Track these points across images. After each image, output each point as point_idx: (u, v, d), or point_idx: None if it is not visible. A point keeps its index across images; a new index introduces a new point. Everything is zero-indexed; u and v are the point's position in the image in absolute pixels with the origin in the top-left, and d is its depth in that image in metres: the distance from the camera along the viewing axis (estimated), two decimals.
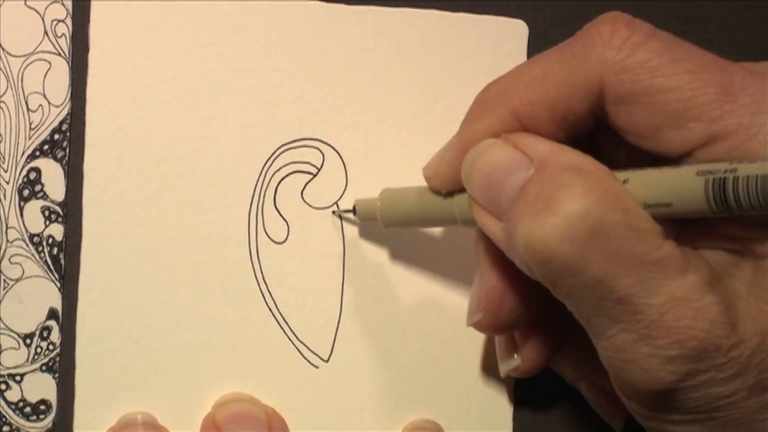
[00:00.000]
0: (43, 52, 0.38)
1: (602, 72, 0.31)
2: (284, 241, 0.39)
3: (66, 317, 0.38)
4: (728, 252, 0.31)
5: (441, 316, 0.40)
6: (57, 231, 0.38)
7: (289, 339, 0.39)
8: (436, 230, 0.40)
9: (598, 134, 0.33)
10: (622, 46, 0.31)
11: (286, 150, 0.39)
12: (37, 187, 0.38)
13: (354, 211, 0.39)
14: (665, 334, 0.29)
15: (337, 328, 0.40)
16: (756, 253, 0.30)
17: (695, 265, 0.29)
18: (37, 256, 0.38)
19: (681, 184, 0.29)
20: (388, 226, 0.38)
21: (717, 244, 0.31)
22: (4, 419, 0.38)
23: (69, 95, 0.39)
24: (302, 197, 0.40)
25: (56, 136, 0.39)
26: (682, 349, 0.29)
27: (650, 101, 0.30)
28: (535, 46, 0.41)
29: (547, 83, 0.32)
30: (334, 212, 0.39)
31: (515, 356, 0.37)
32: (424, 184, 0.36)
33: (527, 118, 0.32)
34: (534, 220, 0.29)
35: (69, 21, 0.39)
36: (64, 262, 0.38)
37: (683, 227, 0.32)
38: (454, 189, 0.35)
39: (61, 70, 0.39)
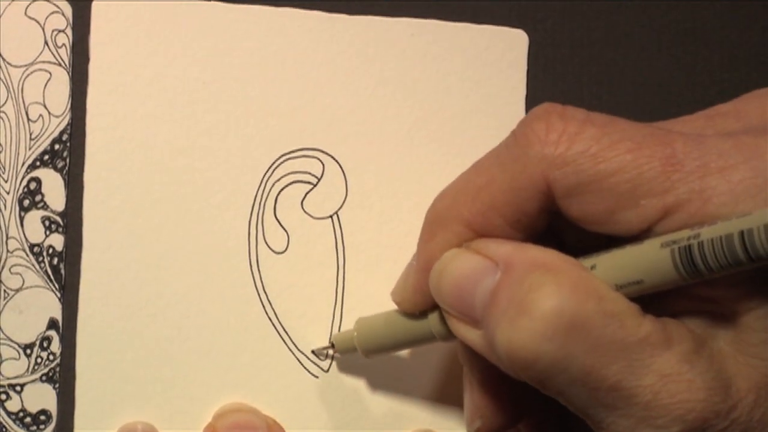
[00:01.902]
0: (44, 62, 0.38)
1: (545, 170, 0.30)
2: (284, 251, 0.39)
3: (66, 327, 0.38)
4: (707, 314, 0.30)
5: None
6: (57, 241, 0.38)
7: (289, 349, 0.39)
8: None
9: (557, 225, 0.33)
10: (559, 140, 0.30)
11: (287, 160, 0.39)
12: (38, 197, 0.38)
13: (332, 346, 0.39)
14: (664, 413, 0.28)
15: None
16: (733, 311, 0.30)
17: (678, 336, 0.29)
18: (37, 266, 0.38)
19: (648, 260, 0.29)
20: (370, 355, 0.38)
21: (694, 308, 0.31)
22: (4, 429, 0.38)
23: (69, 105, 0.39)
24: (302, 207, 0.40)
25: (56, 146, 0.39)
26: (684, 424, 0.28)
27: (598, 188, 0.30)
28: (535, 56, 0.41)
29: (493, 191, 0.32)
30: (313, 351, 0.39)
31: None
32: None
33: (481, 227, 0.32)
34: (511, 326, 0.29)
35: (69, 31, 0.39)
36: (65, 272, 0.38)
37: (659, 296, 0.31)
38: (426, 308, 0.35)
39: (62, 80, 0.39)
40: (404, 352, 0.40)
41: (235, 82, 0.39)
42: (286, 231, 0.39)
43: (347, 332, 0.38)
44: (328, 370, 0.39)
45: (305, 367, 0.39)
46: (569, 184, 0.30)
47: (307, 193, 0.40)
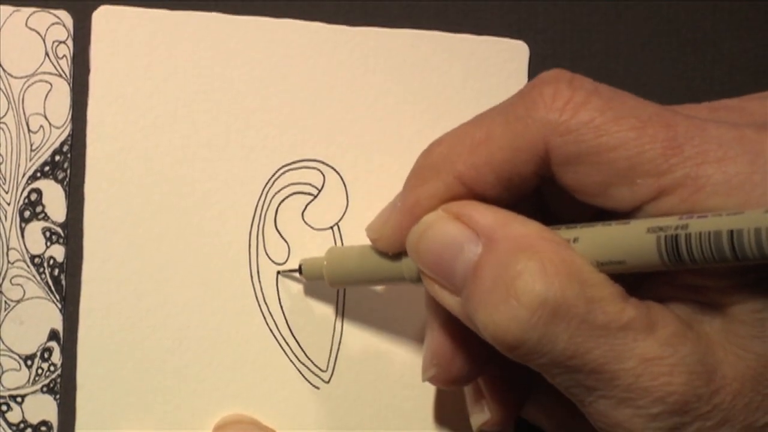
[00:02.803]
0: (44, 73, 0.38)
1: (546, 135, 0.30)
2: (285, 262, 0.39)
3: (67, 338, 0.38)
4: (695, 302, 0.30)
5: None
6: (58, 252, 0.38)
7: (291, 360, 0.39)
8: None
9: (544, 189, 0.33)
10: (565, 108, 0.30)
11: (287, 171, 0.39)
12: (38, 209, 0.38)
13: (300, 270, 0.38)
14: (644, 395, 0.29)
15: (339, 349, 0.40)
16: (722, 302, 0.30)
17: (662, 320, 0.29)
18: (38, 278, 0.38)
19: (632, 243, 0.29)
20: (335, 285, 0.38)
21: (682, 295, 0.31)
22: None
23: (70, 116, 0.39)
24: (303, 218, 0.40)
25: (57, 158, 0.38)
26: (664, 405, 0.29)
27: (597, 160, 0.30)
28: (535, 67, 0.41)
29: (492, 147, 0.32)
30: (279, 272, 0.39)
31: (484, 409, 0.36)
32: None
33: (472, 181, 0.32)
34: (496, 310, 0.29)
35: (70, 42, 0.39)
36: (65, 283, 0.38)
37: (646, 279, 0.32)
38: (401, 251, 0.35)
39: (62, 91, 0.39)
40: (407, 357, 0.40)
41: (236, 93, 0.39)
42: (286, 242, 0.39)
43: (317, 259, 0.38)
44: (329, 382, 0.39)
45: (306, 379, 0.39)
46: (568, 152, 0.30)
47: (307, 204, 0.40)
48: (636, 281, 0.31)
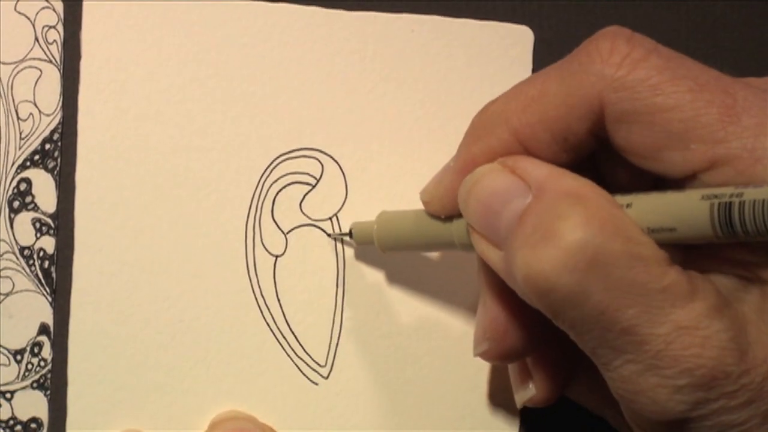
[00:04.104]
0: (34, 59, 0.38)
1: (602, 90, 0.30)
2: (282, 254, 0.39)
3: (58, 333, 0.38)
4: (735, 277, 0.30)
5: (443, 332, 0.39)
6: (48, 243, 0.38)
7: (288, 355, 0.38)
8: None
9: (600, 156, 0.33)
10: (622, 63, 0.30)
11: (285, 160, 0.39)
12: (28, 199, 0.38)
13: (350, 234, 0.38)
14: (673, 364, 0.28)
15: (338, 344, 0.39)
16: (763, 279, 0.29)
17: (702, 291, 0.29)
18: (27, 270, 0.37)
19: (685, 209, 0.29)
20: (386, 250, 0.37)
21: (724, 269, 0.30)
22: None
23: (60, 104, 0.38)
24: (301, 209, 0.39)
25: (47, 146, 0.38)
26: (691, 378, 0.28)
27: (651, 120, 0.29)
28: (540, 53, 0.40)
29: (546, 103, 0.31)
30: (329, 235, 0.39)
31: (530, 385, 0.36)
32: (420, 207, 0.35)
33: (527, 139, 0.32)
34: (532, 251, 0.29)
35: (60, 27, 0.38)
36: (56, 275, 0.38)
37: (689, 251, 0.31)
38: (453, 213, 0.34)
39: (53, 77, 0.38)
40: (409, 352, 0.39)
41: (231, 81, 0.38)
42: (284, 233, 0.39)
43: (368, 223, 0.38)
44: (328, 377, 0.39)
45: (304, 374, 0.38)
46: (623, 109, 0.30)
47: (305, 194, 0.39)
48: (679, 252, 0.30)
